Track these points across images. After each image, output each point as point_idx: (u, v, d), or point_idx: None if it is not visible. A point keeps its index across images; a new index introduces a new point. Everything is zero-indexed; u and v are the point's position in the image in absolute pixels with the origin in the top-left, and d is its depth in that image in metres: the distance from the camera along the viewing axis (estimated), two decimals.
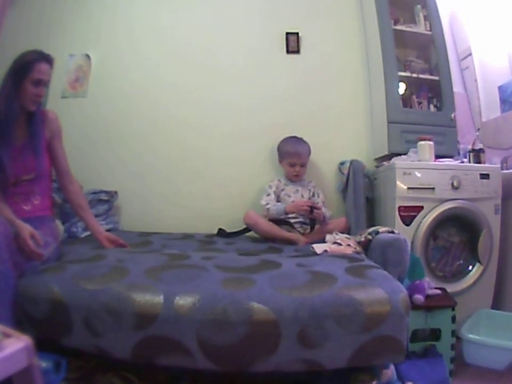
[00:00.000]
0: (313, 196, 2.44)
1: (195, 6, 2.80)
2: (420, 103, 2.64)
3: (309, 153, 2.47)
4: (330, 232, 2.04)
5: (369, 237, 1.76)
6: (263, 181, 2.51)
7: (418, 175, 2.14)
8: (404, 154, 2.35)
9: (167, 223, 2.54)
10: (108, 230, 2.08)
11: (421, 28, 2.68)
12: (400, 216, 2.12)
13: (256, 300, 1.18)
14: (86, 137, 2.64)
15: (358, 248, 1.76)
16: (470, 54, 2.86)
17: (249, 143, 2.67)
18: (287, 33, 2.75)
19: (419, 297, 1.76)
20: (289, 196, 2.39)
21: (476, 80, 2.83)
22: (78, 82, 2.73)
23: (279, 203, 2.33)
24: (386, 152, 2.47)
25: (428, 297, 1.81)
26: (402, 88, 2.64)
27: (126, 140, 2.68)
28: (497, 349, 1.74)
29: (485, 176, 2.18)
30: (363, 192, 2.47)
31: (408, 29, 2.67)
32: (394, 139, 2.45)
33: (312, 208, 2.19)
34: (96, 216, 2.11)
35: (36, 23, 2.71)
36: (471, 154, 2.46)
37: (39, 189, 1.66)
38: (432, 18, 2.65)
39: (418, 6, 2.71)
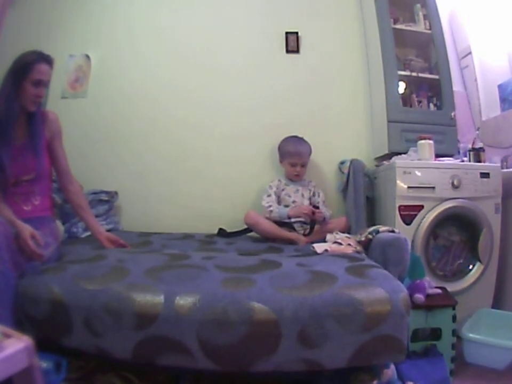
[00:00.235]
0: (314, 195, 2.44)
1: (195, 6, 2.80)
2: (419, 102, 2.64)
3: (310, 153, 2.47)
4: (331, 232, 2.04)
5: (370, 236, 1.76)
6: (264, 181, 2.51)
7: (419, 174, 2.14)
8: (404, 153, 2.35)
9: (167, 223, 2.54)
10: (108, 230, 2.08)
11: (420, 26, 2.68)
12: (401, 215, 2.12)
13: (257, 299, 1.18)
14: (86, 138, 2.65)
15: (359, 248, 1.76)
16: (470, 53, 2.86)
17: (249, 143, 2.67)
18: (287, 33, 2.75)
19: (419, 297, 1.76)
20: (289, 196, 2.39)
21: (475, 79, 2.83)
22: (78, 83, 2.73)
23: (282, 207, 2.32)
24: (386, 152, 2.47)
25: (428, 296, 1.81)
26: (402, 87, 2.64)
27: (126, 140, 2.69)
28: (497, 348, 1.74)
29: (485, 175, 2.17)
30: (363, 191, 2.47)
31: (407, 28, 2.67)
32: (394, 138, 2.45)
33: (313, 211, 2.18)
34: (97, 216, 2.11)
35: (36, 23, 2.71)
36: (471, 153, 2.46)
37: (39, 189, 1.66)
38: (432, 17, 2.65)
39: (418, 5, 2.71)
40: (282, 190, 2.41)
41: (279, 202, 2.38)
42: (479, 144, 2.47)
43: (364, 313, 1.18)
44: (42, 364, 1.10)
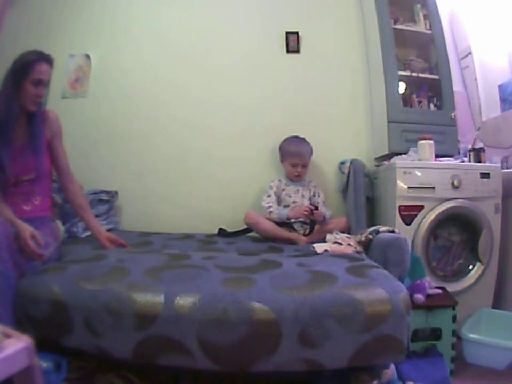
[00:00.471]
0: (314, 195, 2.44)
1: (195, 6, 2.80)
2: (420, 102, 2.64)
3: (311, 154, 2.47)
4: (331, 232, 2.04)
5: (370, 236, 1.76)
6: (264, 181, 2.51)
7: (419, 174, 2.14)
8: (404, 153, 2.35)
9: (167, 223, 2.54)
10: (108, 230, 2.08)
11: (420, 27, 2.68)
12: (401, 215, 2.12)
13: (257, 299, 1.18)
14: (86, 137, 2.65)
15: (359, 248, 1.76)
16: (470, 53, 2.86)
17: (249, 143, 2.67)
18: (287, 33, 2.75)
19: (419, 297, 1.76)
20: (289, 196, 2.39)
21: (476, 79, 2.83)
22: (78, 83, 2.73)
23: (281, 208, 2.32)
24: (386, 152, 2.47)
25: (428, 296, 1.81)
26: (402, 87, 2.63)
27: (126, 140, 2.69)
28: (497, 348, 1.74)
29: (485, 175, 2.17)
30: (363, 191, 2.47)
31: (408, 28, 2.66)
32: (394, 138, 2.45)
33: (312, 210, 2.18)
34: (97, 216, 2.11)
35: (36, 23, 2.71)
36: (472, 153, 2.46)
37: (40, 189, 1.66)
38: (432, 17, 2.65)
39: (418, 5, 2.71)
40: (283, 190, 2.41)
41: (279, 203, 2.38)
42: (479, 145, 2.47)
43: (364, 313, 1.18)
44: (43, 364, 1.10)
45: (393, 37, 2.55)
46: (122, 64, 2.75)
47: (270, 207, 2.29)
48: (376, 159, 2.65)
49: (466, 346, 1.81)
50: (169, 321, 1.17)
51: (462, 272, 2.17)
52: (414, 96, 2.64)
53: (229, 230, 2.40)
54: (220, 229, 2.42)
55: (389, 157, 2.44)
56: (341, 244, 1.79)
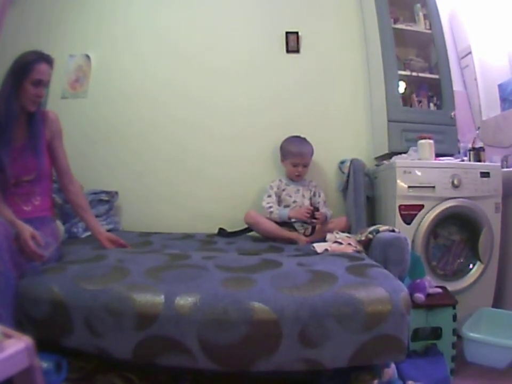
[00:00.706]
0: (314, 195, 2.44)
1: (195, 6, 2.80)
2: (419, 102, 2.64)
3: (312, 154, 2.47)
4: (331, 231, 2.04)
5: (370, 235, 1.76)
6: (264, 180, 2.51)
7: (419, 173, 2.14)
8: (404, 153, 2.35)
9: (167, 223, 2.54)
10: (109, 230, 2.08)
11: (420, 26, 2.68)
12: (401, 214, 2.12)
13: (257, 299, 1.18)
14: (86, 138, 2.65)
15: (359, 247, 1.76)
16: (470, 53, 2.85)
17: (249, 142, 2.67)
18: (287, 33, 2.75)
19: (420, 296, 1.76)
20: (290, 196, 2.39)
21: (475, 79, 2.83)
22: (78, 83, 2.73)
23: (282, 208, 2.32)
24: (386, 151, 2.47)
25: (428, 296, 1.81)
26: (402, 87, 2.63)
27: (126, 140, 2.69)
28: (498, 347, 1.74)
29: (485, 174, 2.17)
30: (363, 191, 2.47)
31: (408, 27, 2.66)
32: (394, 138, 2.45)
33: (313, 212, 2.18)
34: (97, 216, 2.11)
35: (36, 23, 2.72)
36: (471, 152, 2.46)
37: (40, 189, 1.66)
38: (432, 17, 2.65)
39: (418, 5, 2.71)
40: (283, 190, 2.41)
41: (279, 202, 2.38)
42: (479, 144, 2.47)
43: (364, 312, 1.18)
44: (43, 364, 1.10)
45: (393, 37, 2.55)
46: (122, 64, 2.75)
47: (270, 207, 2.29)
48: (376, 158, 2.65)
49: (467, 345, 1.82)
50: (169, 321, 1.17)
51: (462, 271, 2.17)
52: (414, 95, 2.64)
53: (229, 230, 2.40)
54: (220, 229, 2.42)
55: (389, 156, 2.44)
56: (341, 243, 1.79)
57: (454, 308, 1.79)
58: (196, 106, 2.70)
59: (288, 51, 2.75)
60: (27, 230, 1.36)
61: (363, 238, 1.79)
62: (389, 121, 2.46)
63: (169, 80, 2.72)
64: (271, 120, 2.67)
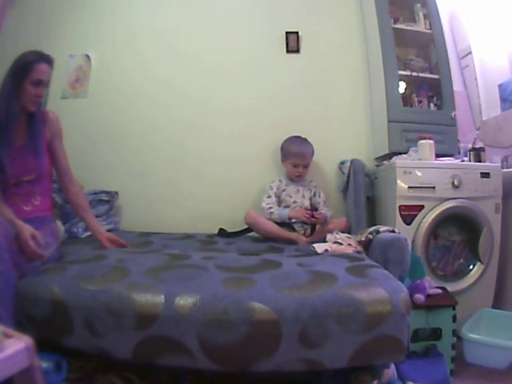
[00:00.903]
0: (314, 195, 2.44)
1: (195, 6, 2.80)
2: (420, 102, 2.64)
3: (313, 154, 2.47)
4: (331, 232, 2.04)
5: (370, 236, 1.76)
6: (264, 181, 2.51)
7: (419, 174, 2.14)
8: (404, 153, 2.35)
9: (167, 223, 2.54)
10: (109, 230, 2.08)
11: (420, 26, 2.68)
12: (401, 215, 2.12)
13: (257, 299, 1.18)
14: (86, 138, 2.65)
15: (359, 248, 1.76)
16: (470, 53, 2.85)
17: (249, 143, 2.67)
18: (287, 33, 2.75)
19: (420, 297, 1.76)
20: (290, 196, 2.39)
21: (476, 79, 2.82)
22: (78, 83, 2.73)
23: (282, 208, 2.32)
24: (386, 151, 2.47)
25: (428, 296, 1.81)
26: (402, 87, 2.63)
27: (126, 139, 2.69)
28: (498, 348, 1.74)
29: (485, 175, 2.17)
30: (364, 191, 2.47)
31: (408, 27, 2.66)
32: (394, 138, 2.45)
33: (312, 212, 2.18)
34: (97, 216, 2.11)
35: (35, 23, 2.72)
36: (472, 153, 2.46)
37: (40, 189, 1.66)
38: (432, 17, 2.65)
39: (418, 5, 2.71)
40: (283, 190, 2.41)
41: (279, 203, 2.38)
42: (479, 144, 2.47)
43: (364, 313, 1.18)
44: (43, 364, 1.10)
45: (393, 37, 2.55)
46: (122, 64, 2.75)
47: (270, 207, 2.29)
48: (376, 158, 2.65)
49: (467, 346, 1.81)
50: (169, 321, 1.17)
51: (462, 272, 2.17)
52: (414, 95, 2.64)
53: (229, 230, 2.40)
54: (220, 229, 2.42)
55: (389, 156, 2.43)
56: (341, 243, 1.79)
57: (454, 308, 1.79)
58: (196, 106, 2.70)
59: (288, 51, 2.75)
60: (27, 229, 1.36)
61: (363, 239, 1.79)
62: (389, 121, 2.46)
63: (169, 80, 2.72)
64: (271, 120, 2.67)
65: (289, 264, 1.45)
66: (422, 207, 2.12)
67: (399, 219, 2.11)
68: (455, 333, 1.78)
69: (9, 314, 1.21)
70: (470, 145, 2.50)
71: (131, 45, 2.76)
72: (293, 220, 2.26)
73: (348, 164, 2.52)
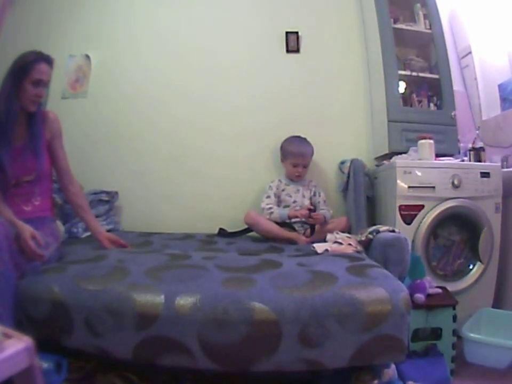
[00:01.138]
0: (314, 195, 2.44)
1: (195, 6, 2.79)
2: (420, 102, 2.64)
3: (312, 154, 2.47)
4: (331, 232, 2.04)
5: (370, 236, 1.76)
6: (264, 181, 2.51)
7: (419, 173, 2.14)
8: (404, 153, 2.35)
9: (167, 223, 2.54)
10: (109, 230, 2.08)
11: (420, 26, 2.68)
12: (401, 215, 2.12)
13: (257, 299, 1.18)
14: (87, 138, 2.64)
15: (359, 248, 1.76)
16: (470, 52, 2.85)
17: (249, 142, 2.67)
18: (287, 33, 2.74)
19: (420, 296, 1.76)
20: (290, 196, 2.39)
21: (476, 79, 2.83)
22: (78, 83, 2.73)
23: (282, 208, 2.32)
24: (386, 151, 2.47)
25: (428, 296, 1.81)
26: (402, 86, 2.63)
27: (126, 140, 2.69)
28: (498, 348, 1.74)
29: (485, 174, 2.17)
30: (364, 191, 2.47)
31: (408, 27, 2.66)
32: (394, 138, 2.45)
33: (310, 211, 2.18)
34: (97, 216, 2.11)
35: (35, 23, 2.71)
36: (472, 152, 2.46)
37: (40, 189, 1.66)
38: (432, 16, 2.64)
39: (418, 5, 2.71)
40: (283, 190, 2.41)
41: (279, 203, 2.38)
42: (479, 144, 2.47)
43: (365, 313, 1.18)
44: (43, 364, 1.10)
45: (393, 37, 2.55)
46: (122, 64, 2.75)
47: (270, 208, 2.29)
48: (376, 158, 2.65)
49: (467, 346, 1.81)
50: (169, 321, 1.17)
51: (462, 272, 2.17)
52: (414, 95, 2.64)
53: (229, 230, 2.40)
54: (220, 229, 2.42)
55: (389, 156, 2.43)
56: (341, 243, 1.79)
57: (454, 308, 1.79)
58: (196, 106, 2.70)
59: (288, 51, 2.75)
60: (27, 230, 1.36)
61: (363, 238, 1.79)
62: (389, 121, 2.46)
63: (169, 80, 2.72)
64: (271, 120, 2.67)
65: (289, 264, 1.45)
66: (422, 206, 2.12)
67: (399, 219, 2.11)
68: (455, 332, 1.78)
69: (9, 314, 1.21)
70: (470, 145, 2.50)
71: (131, 45, 2.76)
72: (293, 220, 2.26)
73: (348, 164, 2.52)
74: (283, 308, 1.17)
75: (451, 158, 2.37)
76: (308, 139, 2.48)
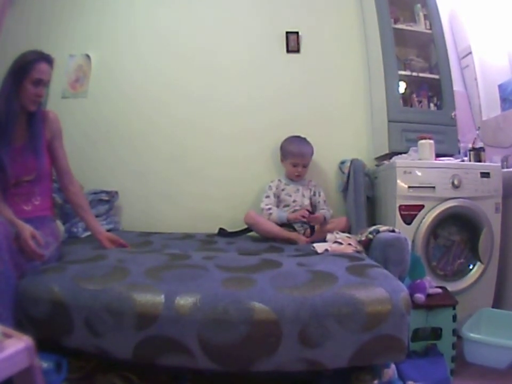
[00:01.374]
0: (314, 195, 2.44)
1: (195, 6, 2.79)
2: (420, 102, 2.64)
3: (312, 154, 2.47)
4: (331, 232, 2.04)
5: (370, 236, 1.76)
6: (264, 181, 2.51)
7: (419, 174, 2.14)
8: (404, 153, 2.35)
9: (167, 223, 2.54)
10: (109, 230, 2.08)
11: (421, 26, 2.68)
12: (401, 215, 2.12)
13: (257, 299, 1.18)
14: (87, 138, 2.64)
15: (359, 247, 1.76)
16: (470, 53, 2.86)
17: (249, 142, 2.67)
18: (287, 33, 2.74)
19: (420, 296, 1.76)
20: (290, 196, 2.39)
21: (476, 79, 2.83)
22: (78, 83, 2.73)
23: (281, 210, 2.32)
24: (386, 151, 2.47)
25: (428, 296, 1.81)
26: (402, 87, 2.63)
27: (126, 139, 2.68)
28: (498, 347, 1.74)
29: (485, 174, 2.17)
30: (364, 191, 2.47)
31: (408, 27, 2.66)
32: (394, 138, 2.45)
33: (309, 214, 2.19)
34: (97, 216, 2.11)
35: (35, 23, 2.71)
36: (472, 153, 2.46)
37: (40, 189, 1.66)
38: (432, 17, 2.65)
39: (418, 5, 2.71)
40: (282, 189, 2.41)
41: (279, 202, 2.38)
42: (479, 144, 2.46)
43: (365, 312, 1.18)
44: (43, 364, 1.10)
45: (393, 37, 2.55)
46: (123, 64, 2.75)
47: (269, 209, 2.29)
48: (376, 158, 2.65)
49: (467, 346, 1.81)
50: (169, 321, 1.17)
51: (462, 272, 2.17)
52: (414, 95, 2.64)
53: (229, 230, 2.40)
54: (220, 229, 2.42)
55: (389, 156, 2.43)
56: (341, 243, 1.79)
57: (454, 308, 1.79)
58: (196, 106, 2.70)
59: (288, 51, 2.75)
60: (27, 229, 1.36)
61: (363, 238, 1.79)
62: (389, 121, 2.46)
63: (169, 80, 2.72)
64: (271, 120, 2.67)
65: (289, 264, 1.45)
66: (422, 206, 2.12)
67: (399, 219, 2.11)
68: (455, 332, 1.78)
69: (9, 314, 1.21)
70: (470, 145, 2.50)
71: (131, 45, 2.76)
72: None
73: (348, 164, 2.52)
74: (283, 307, 1.17)
75: (451, 158, 2.37)
76: (308, 139, 2.48)
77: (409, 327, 1.26)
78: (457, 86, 2.72)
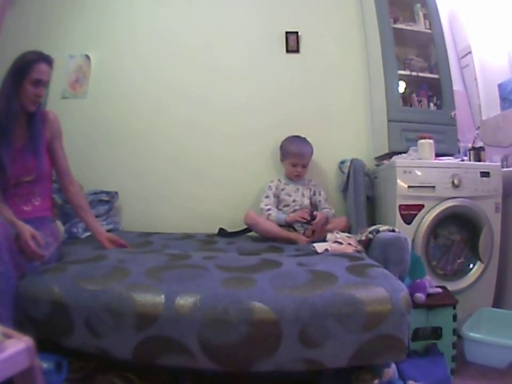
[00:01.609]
0: (314, 194, 2.44)
1: (195, 6, 2.79)
2: (419, 102, 2.64)
3: (311, 154, 2.47)
4: (331, 232, 2.04)
5: (370, 235, 1.76)
6: (264, 181, 2.51)
7: (419, 173, 2.14)
8: (404, 152, 2.35)
9: (167, 223, 2.54)
10: (109, 231, 2.08)
11: (420, 26, 2.68)
12: (401, 214, 2.12)
13: (257, 299, 1.18)
14: (86, 138, 2.64)
15: (359, 247, 1.76)
16: (470, 52, 2.85)
17: (249, 143, 2.67)
18: (287, 33, 2.74)
19: (420, 296, 1.76)
20: (289, 195, 2.39)
21: (475, 78, 2.83)
22: (78, 83, 2.73)
23: (280, 211, 2.32)
24: (386, 151, 2.47)
25: (428, 295, 1.81)
26: (402, 86, 2.63)
27: (126, 140, 2.68)
28: (498, 347, 1.74)
29: (485, 174, 2.18)
30: (364, 191, 2.47)
31: (407, 27, 2.66)
32: (394, 138, 2.45)
33: (311, 214, 2.19)
34: (97, 216, 2.10)
35: (35, 23, 2.71)
36: (471, 152, 2.46)
37: (40, 190, 1.66)
38: (432, 16, 2.65)
39: (418, 5, 2.71)
40: (282, 189, 2.41)
41: (279, 202, 2.38)
42: (479, 143, 2.47)
43: (365, 312, 1.18)
44: (43, 365, 1.11)
45: (393, 36, 2.55)
46: (122, 64, 2.75)
47: (269, 209, 2.29)
48: (376, 158, 2.65)
49: (467, 345, 1.82)
50: (169, 321, 1.17)
51: (463, 271, 2.17)
52: (414, 95, 2.64)
53: (229, 230, 2.40)
54: (220, 229, 2.42)
55: (389, 156, 2.43)
56: (341, 243, 1.79)
57: (454, 307, 1.79)
58: (196, 106, 2.70)
59: (288, 51, 2.75)
60: (27, 230, 1.36)
61: (363, 238, 1.79)
62: (389, 121, 2.46)
63: (169, 80, 2.72)
64: (271, 120, 2.67)
65: (289, 264, 1.45)
66: (422, 206, 2.12)
67: (399, 218, 2.11)
68: (455, 332, 1.78)
69: (9, 314, 1.21)
70: (469, 145, 2.50)
71: (131, 45, 2.76)
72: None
73: (348, 164, 2.52)
74: (283, 307, 1.17)
75: (451, 158, 2.37)
76: (308, 139, 2.48)
77: (410, 327, 1.26)
78: (457, 86, 2.72)
